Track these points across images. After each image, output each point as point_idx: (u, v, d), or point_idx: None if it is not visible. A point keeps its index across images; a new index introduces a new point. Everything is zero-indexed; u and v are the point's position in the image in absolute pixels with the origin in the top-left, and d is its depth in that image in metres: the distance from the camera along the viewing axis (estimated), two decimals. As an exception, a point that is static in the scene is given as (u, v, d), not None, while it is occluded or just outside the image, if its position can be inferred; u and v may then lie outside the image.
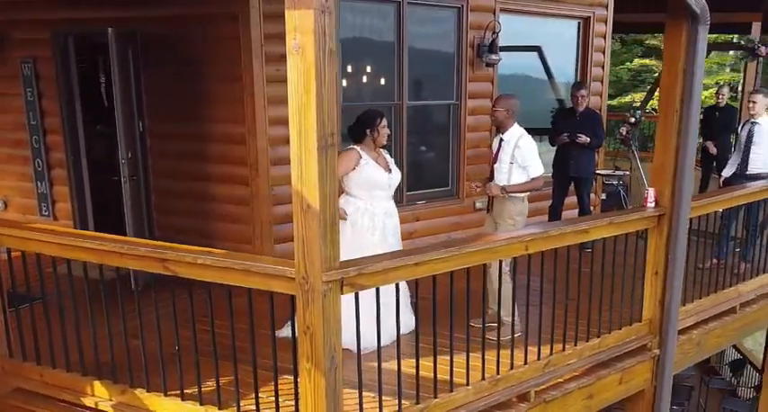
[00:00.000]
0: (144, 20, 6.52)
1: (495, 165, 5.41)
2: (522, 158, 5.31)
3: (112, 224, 6.40)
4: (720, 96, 9.74)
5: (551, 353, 4.55)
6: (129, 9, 6.57)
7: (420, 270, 3.76)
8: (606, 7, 8.78)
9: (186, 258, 3.64)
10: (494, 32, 7.54)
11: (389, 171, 5.38)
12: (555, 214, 7.79)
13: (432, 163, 7.98)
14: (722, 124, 9.63)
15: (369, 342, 3.94)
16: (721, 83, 11.49)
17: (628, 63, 23.82)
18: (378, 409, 3.83)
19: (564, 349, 4.62)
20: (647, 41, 23.39)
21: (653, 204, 4.96)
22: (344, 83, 6.78)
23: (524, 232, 4.31)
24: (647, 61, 23.90)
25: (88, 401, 4.17)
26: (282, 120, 6.33)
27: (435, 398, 3.99)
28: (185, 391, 3.98)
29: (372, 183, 5.29)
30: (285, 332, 4.35)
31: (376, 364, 3.79)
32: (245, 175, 6.43)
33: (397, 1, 6.99)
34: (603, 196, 9.33)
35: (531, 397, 4.41)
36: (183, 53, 6.50)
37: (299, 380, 3.49)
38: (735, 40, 14.39)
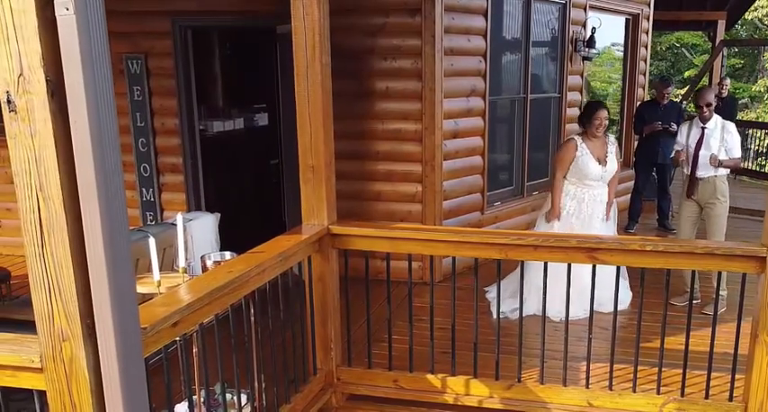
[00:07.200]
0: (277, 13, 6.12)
1: (701, 152, 5.82)
2: (732, 140, 5.80)
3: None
4: (723, 87, 10.77)
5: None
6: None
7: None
8: (649, 5, 9.48)
9: (632, 245, 3.71)
10: (592, 28, 7.97)
11: (605, 163, 5.67)
12: (639, 198, 8.39)
13: (537, 155, 8.19)
14: (726, 112, 10.67)
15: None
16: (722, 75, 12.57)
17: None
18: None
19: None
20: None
21: None
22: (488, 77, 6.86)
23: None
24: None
25: (469, 400, 4.12)
26: (453, 114, 6.45)
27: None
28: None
29: (583, 173, 5.64)
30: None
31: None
32: (417, 172, 6.37)
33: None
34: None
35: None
36: (346, 47, 6.28)
37: (755, 352, 3.69)
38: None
